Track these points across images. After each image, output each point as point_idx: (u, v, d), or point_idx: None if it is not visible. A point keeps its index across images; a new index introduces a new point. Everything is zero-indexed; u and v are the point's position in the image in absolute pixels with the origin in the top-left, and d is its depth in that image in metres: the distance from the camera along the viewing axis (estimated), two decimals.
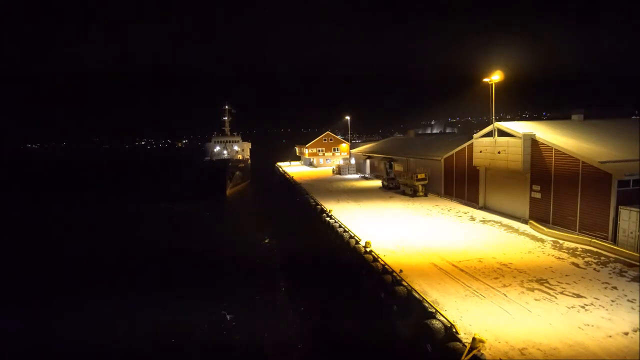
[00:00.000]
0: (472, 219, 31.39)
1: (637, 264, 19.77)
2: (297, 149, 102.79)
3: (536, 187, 28.74)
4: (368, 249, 23.62)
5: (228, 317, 26.60)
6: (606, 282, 17.83)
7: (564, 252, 22.32)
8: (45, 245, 46.84)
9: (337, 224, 31.00)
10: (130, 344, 23.47)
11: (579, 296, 16.49)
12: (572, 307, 15.54)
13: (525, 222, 28.82)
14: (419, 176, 42.72)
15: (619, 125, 33.42)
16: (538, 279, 18.43)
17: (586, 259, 20.95)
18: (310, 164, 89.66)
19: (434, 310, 15.28)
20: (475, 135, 35.01)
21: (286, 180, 66.36)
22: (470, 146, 35.72)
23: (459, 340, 13.27)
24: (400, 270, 19.61)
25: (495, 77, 31.16)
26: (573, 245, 23.49)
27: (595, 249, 22.40)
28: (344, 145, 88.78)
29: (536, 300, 16.23)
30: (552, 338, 13.25)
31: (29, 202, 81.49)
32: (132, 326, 25.26)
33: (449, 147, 42.28)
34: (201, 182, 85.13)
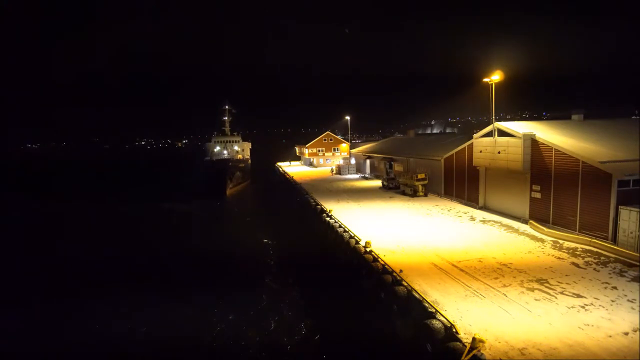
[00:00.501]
0: (472, 219, 31.40)
1: (637, 264, 19.77)
2: (297, 149, 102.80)
3: (536, 187, 28.74)
4: (368, 249, 23.62)
5: (228, 317, 26.61)
6: (606, 282, 17.83)
7: (564, 252, 22.32)
8: (45, 245, 46.83)
9: (337, 224, 31.00)
10: (131, 344, 23.50)
11: (579, 296, 16.49)
12: (572, 307, 15.55)
13: (525, 222, 28.82)
14: (419, 176, 42.74)
15: (619, 125, 33.43)
16: (538, 279, 18.43)
17: (586, 259, 20.95)
18: (310, 164, 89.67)
19: (434, 310, 15.28)
20: (475, 135, 35.02)
21: (286, 180, 66.36)
22: (470, 146, 35.73)
23: (459, 340, 13.27)
24: (400, 270, 19.61)
25: (495, 77, 31.18)
26: (573, 245, 23.49)
27: (595, 249, 22.40)
28: (344, 145, 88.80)
29: (536, 300, 16.23)
30: (552, 338, 13.25)
31: (29, 202, 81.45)
32: (132, 326, 25.28)
33: (449, 147, 42.29)
34: (201, 182, 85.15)
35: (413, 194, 42.45)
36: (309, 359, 22.47)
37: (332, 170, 72.53)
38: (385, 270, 20.41)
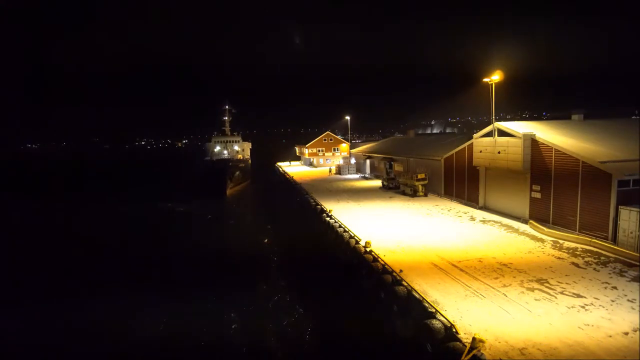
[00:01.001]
0: (472, 219, 31.39)
1: (637, 263, 19.76)
2: (297, 149, 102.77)
3: (536, 187, 28.74)
4: (368, 249, 23.61)
5: (228, 317, 26.61)
6: (606, 282, 17.83)
7: (564, 252, 22.32)
8: (45, 245, 46.85)
9: (337, 224, 31.00)
10: (131, 344, 23.49)
11: (579, 296, 16.49)
12: (572, 307, 15.54)
13: (525, 222, 28.82)
14: (419, 176, 42.73)
15: (619, 125, 33.41)
16: (538, 278, 18.43)
17: (586, 259, 20.95)
18: (310, 164, 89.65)
19: (434, 310, 15.27)
20: (475, 135, 35.01)
21: (286, 180, 66.34)
22: (470, 146, 35.73)
23: (459, 340, 13.27)
24: (400, 270, 19.61)
25: (495, 77, 31.16)
26: (573, 245, 23.49)
27: (595, 249, 22.39)
28: (344, 145, 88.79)
29: (536, 300, 16.23)
30: (552, 338, 13.25)
31: (29, 202, 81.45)
32: (132, 326, 25.26)
33: (449, 147, 42.28)
34: (201, 182, 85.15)
35: (413, 194, 42.44)
36: (309, 359, 22.48)
37: (331, 170, 72.52)
38: (385, 270, 20.40)
